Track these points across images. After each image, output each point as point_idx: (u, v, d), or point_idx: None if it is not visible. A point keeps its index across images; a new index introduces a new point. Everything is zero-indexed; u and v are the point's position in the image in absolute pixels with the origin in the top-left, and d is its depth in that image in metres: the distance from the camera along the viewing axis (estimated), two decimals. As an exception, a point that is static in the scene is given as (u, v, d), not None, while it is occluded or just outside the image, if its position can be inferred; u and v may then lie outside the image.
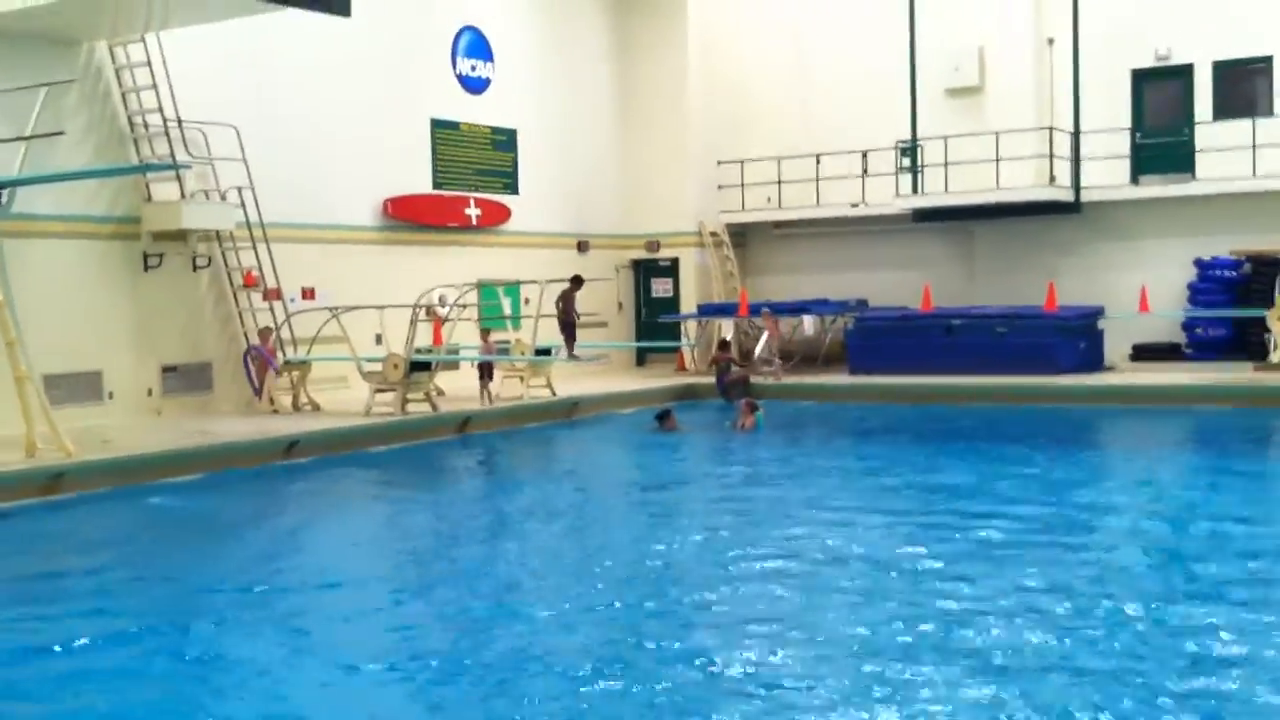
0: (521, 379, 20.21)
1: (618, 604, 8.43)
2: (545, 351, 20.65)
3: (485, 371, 19.68)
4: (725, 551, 9.92)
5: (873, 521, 11.05)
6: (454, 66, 23.55)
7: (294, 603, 8.79)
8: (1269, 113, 22.87)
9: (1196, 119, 23.62)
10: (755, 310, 23.83)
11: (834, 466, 15.15)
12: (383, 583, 9.55)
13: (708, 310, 25.56)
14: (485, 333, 20.48)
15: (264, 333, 18.75)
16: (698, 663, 7.04)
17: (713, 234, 26.91)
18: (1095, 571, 9.04)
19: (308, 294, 20.38)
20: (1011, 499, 11.99)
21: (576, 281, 21.84)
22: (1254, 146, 22.32)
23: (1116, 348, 23.20)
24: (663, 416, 17.74)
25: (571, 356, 21.00)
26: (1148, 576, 9.05)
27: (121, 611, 8.76)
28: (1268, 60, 23.10)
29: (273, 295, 19.48)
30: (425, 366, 18.29)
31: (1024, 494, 12.29)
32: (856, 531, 10.55)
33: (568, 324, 21.44)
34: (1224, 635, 7.22)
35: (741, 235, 27.74)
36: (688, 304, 26.67)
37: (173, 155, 17.91)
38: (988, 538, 10.03)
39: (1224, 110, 23.44)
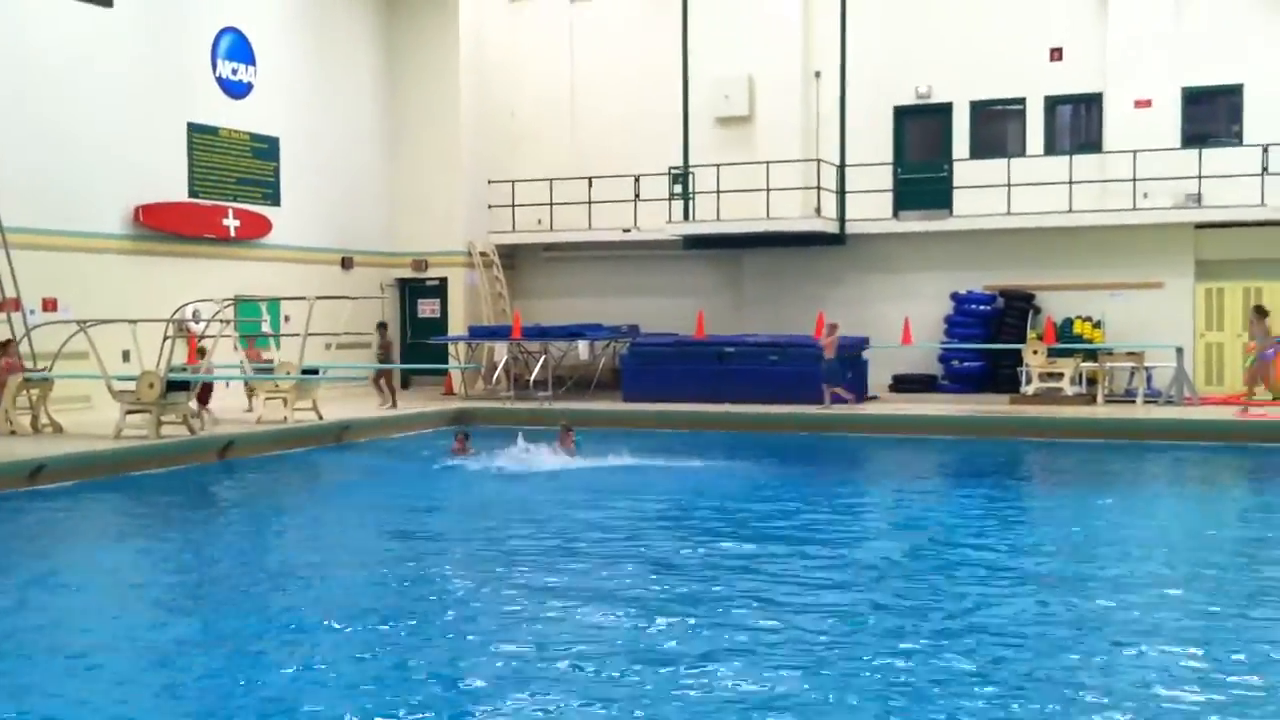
0: (285, 401, 19.18)
1: (363, 647, 7.83)
2: (312, 371, 19.65)
3: (203, 394, 18.34)
4: (475, 587, 9.41)
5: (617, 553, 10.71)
6: (214, 69, 22.27)
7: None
8: (1022, 153, 23.90)
9: (955, 156, 24.47)
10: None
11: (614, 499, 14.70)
12: (118, 623, 8.62)
13: (479, 333, 24.94)
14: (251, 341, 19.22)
15: (5, 345, 17.14)
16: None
17: (483, 254, 26.29)
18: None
19: (49, 305, 18.94)
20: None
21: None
22: (1009, 185, 23.21)
23: (877, 378, 23.72)
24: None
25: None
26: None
27: None
28: (1021, 102, 24.16)
29: (11, 306, 17.97)
30: (183, 386, 17.07)
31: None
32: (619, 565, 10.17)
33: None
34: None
35: (511, 257, 27.23)
36: (456, 325, 25.98)
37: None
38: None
39: (980, 149, 24.39)
